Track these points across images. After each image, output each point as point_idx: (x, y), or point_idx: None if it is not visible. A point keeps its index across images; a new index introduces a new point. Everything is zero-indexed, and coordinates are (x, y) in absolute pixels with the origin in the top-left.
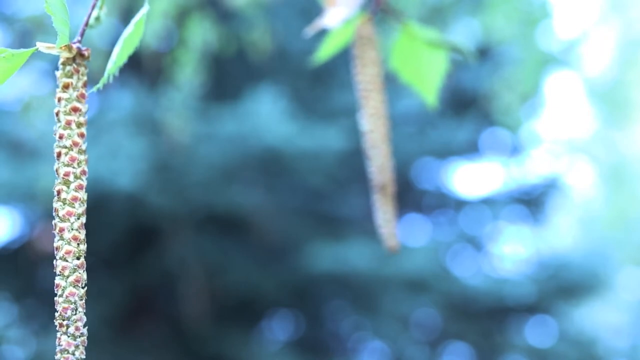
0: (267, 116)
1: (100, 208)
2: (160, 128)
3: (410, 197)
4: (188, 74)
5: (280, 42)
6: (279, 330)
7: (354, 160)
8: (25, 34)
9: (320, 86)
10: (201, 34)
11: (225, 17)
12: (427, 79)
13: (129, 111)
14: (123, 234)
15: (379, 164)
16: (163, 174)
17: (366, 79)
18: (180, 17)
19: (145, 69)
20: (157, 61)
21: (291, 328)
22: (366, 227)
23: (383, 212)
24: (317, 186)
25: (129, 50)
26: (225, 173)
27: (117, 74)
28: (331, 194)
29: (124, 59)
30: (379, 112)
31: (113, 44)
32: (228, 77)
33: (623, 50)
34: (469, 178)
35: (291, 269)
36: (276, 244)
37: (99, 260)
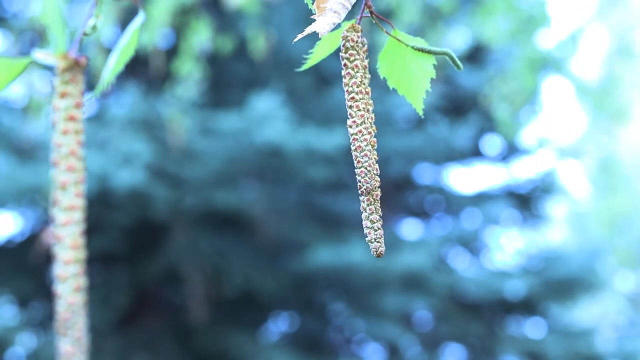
0: (268, 116)
1: (103, 207)
2: (162, 127)
3: (410, 196)
4: (189, 75)
5: (282, 44)
6: (279, 327)
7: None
8: (35, 38)
9: (322, 86)
10: (201, 35)
11: (224, 17)
12: (414, 85)
13: (131, 110)
14: (125, 233)
15: (366, 168)
16: (165, 173)
17: (353, 83)
18: (181, 19)
19: (147, 69)
20: (159, 61)
21: (292, 325)
22: None
23: (370, 215)
24: (318, 186)
25: (126, 59)
26: (227, 173)
27: (114, 81)
28: (331, 194)
29: (120, 67)
30: (366, 116)
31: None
32: (229, 78)
33: (616, 52)
34: (468, 177)
35: (292, 268)
36: (278, 243)
37: (102, 259)
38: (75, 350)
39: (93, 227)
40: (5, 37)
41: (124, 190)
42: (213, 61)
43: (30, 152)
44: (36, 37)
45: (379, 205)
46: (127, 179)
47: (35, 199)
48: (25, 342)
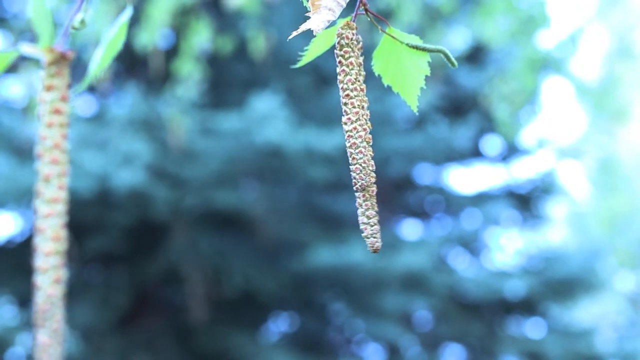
0: (268, 117)
1: (103, 207)
2: (162, 127)
3: (410, 196)
4: (189, 75)
5: (282, 44)
6: (279, 327)
7: None
8: (34, 38)
9: (322, 86)
10: (201, 35)
11: (224, 18)
12: (408, 82)
13: (131, 110)
14: (125, 233)
15: (361, 166)
16: (165, 173)
17: (348, 81)
18: (181, 19)
19: (147, 69)
20: (159, 62)
21: (292, 325)
22: None
23: (366, 211)
24: (318, 186)
25: (113, 53)
26: (227, 173)
27: (101, 75)
28: (331, 194)
29: (107, 62)
30: (360, 113)
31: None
32: (229, 78)
33: (616, 52)
34: (468, 178)
35: (292, 268)
36: (278, 243)
37: (102, 259)
38: (52, 341)
39: (93, 227)
40: (5, 37)
41: (124, 191)
42: (213, 61)
43: (30, 152)
44: (36, 37)
45: (375, 201)
46: (127, 179)
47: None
48: (25, 342)
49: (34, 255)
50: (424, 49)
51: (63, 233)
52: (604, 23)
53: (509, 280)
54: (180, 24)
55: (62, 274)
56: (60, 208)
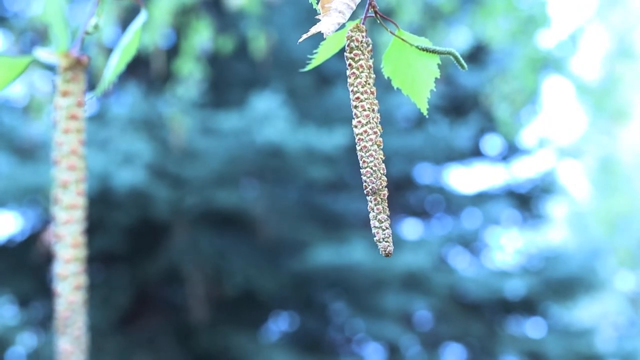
0: (268, 116)
1: (103, 206)
2: (163, 127)
3: (410, 196)
4: (190, 74)
5: (282, 44)
6: (280, 327)
7: (355, 159)
8: (35, 37)
9: (322, 86)
10: (202, 35)
11: (224, 17)
12: (418, 85)
13: (132, 110)
14: (126, 232)
15: (371, 169)
16: (165, 173)
17: (358, 83)
18: (182, 19)
19: (148, 69)
20: (160, 61)
21: (292, 325)
22: (368, 226)
23: (377, 215)
24: (318, 186)
25: (127, 58)
26: (227, 173)
27: (115, 80)
28: (331, 194)
29: (122, 67)
30: (371, 116)
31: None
32: (230, 78)
33: (616, 52)
34: (468, 177)
35: (292, 268)
36: (278, 243)
37: (102, 258)
38: (74, 348)
39: (94, 227)
40: (6, 36)
41: (124, 190)
42: (214, 61)
43: (31, 152)
44: (37, 37)
45: (386, 205)
46: (127, 178)
47: (35, 198)
48: (25, 341)
49: (53, 262)
50: (433, 51)
51: (82, 239)
52: (604, 23)
53: (509, 280)
54: (181, 24)
55: (83, 280)
56: (79, 214)
